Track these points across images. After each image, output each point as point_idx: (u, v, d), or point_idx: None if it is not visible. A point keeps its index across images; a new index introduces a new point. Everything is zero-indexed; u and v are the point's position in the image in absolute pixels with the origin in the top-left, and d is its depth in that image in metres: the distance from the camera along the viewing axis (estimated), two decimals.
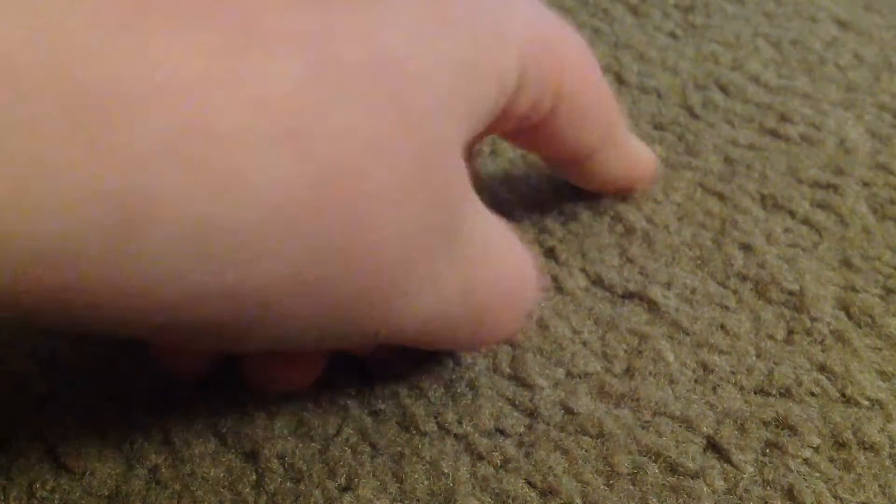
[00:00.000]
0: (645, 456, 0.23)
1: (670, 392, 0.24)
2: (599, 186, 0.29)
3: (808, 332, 0.26)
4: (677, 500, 0.22)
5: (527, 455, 0.23)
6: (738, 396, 0.24)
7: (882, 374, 0.24)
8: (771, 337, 0.26)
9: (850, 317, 0.26)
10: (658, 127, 0.32)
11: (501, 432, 0.23)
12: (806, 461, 0.23)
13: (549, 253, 0.28)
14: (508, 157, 0.31)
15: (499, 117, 0.21)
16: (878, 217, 0.29)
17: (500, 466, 0.23)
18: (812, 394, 0.24)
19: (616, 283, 0.27)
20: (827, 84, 0.34)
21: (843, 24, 0.37)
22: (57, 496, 0.22)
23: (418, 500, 0.22)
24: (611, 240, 0.28)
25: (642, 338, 0.26)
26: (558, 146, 0.25)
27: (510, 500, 0.22)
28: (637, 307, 0.26)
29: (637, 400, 0.24)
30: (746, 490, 0.22)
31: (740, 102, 0.33)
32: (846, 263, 0.27)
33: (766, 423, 0.23)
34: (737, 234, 0.28)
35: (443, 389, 0.24)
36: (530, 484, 0.22)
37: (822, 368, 0.25)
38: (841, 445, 0.23)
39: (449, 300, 0.20)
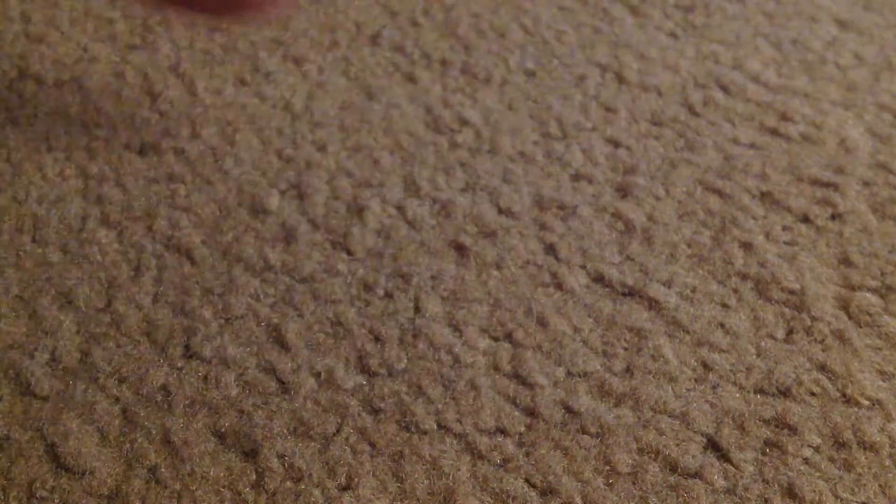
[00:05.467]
0: (645, 455, 0.23)
1: (670, 391, 0.24)
2: None
3: (808, 332, 0.26)
4: (677, 498, 0.22)
5: (527, 454, 0.23)
6: (738, 395, 0.24)
7: (882, 374, 0.24)
8: (771, 336, 0.26)
9: (850, 316, 0.26)
10: (658, 124, 0.32)
11: (502, 431, 0.23)
12: (806, 460, 0.23)
13: (550, 250, 0.28)
14: (507, 154, 0.31)
15: None
16: (878, 216, 0.29)
17: (500, 466, 0.23)
18: (812, 393, 0.24)
19: (616, 281, 0.27)
20: (827, 83, 0.34)
21: (843, 24, 0.37)
22: (57, 496, 0.22)
23: (418, 500, 0.22)
24: (611, 237, 0.28)
25: (642, 336, 0.26)
26: None
27: (510, 500, 0.22)
28: (637, 305, 0.26)
29: (637, 399, 0.24)
30: (746, 489, 0.22)
31: (741, 101, 0.33)
32: (846, 262, 0.27)
33: (765, 422, 0.23)
34: (737, 232, 0.28)
35: (442, 388, 0.24)
36: (530, 483, 0.22)
37: (822, 368, 0.25)
38: (841, 445, 0.23)
39: None
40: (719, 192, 0.30)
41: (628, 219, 0.29)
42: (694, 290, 0.27)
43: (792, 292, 0.27)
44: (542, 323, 0.26)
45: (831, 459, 0.23)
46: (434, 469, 0.23)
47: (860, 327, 0.26)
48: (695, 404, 0.24)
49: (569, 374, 0.25)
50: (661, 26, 0.37)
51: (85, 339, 0.25)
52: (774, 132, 0.32)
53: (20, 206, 0.28)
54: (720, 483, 0.22)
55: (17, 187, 0.29)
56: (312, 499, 0.22)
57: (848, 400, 0.24)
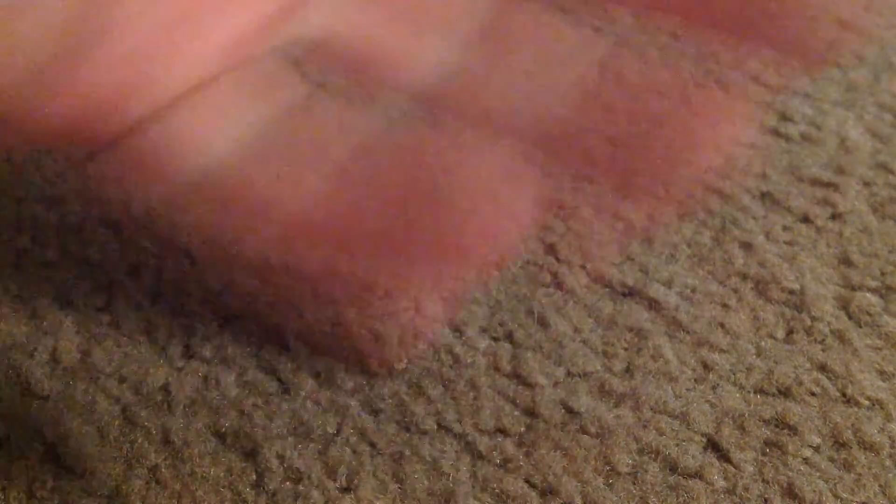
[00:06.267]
0: (645, 455, 0.23)
1: (670, 391, 0.24)
2: None
3: (808, 332, 0.26)
4: (677, 498, 0.22)
5: (527, 454, 0.23)
6: (738, 395, 0.24)
7: (882, 374, 0.24)
8: (771, 336, 0.25)
9: (849, 316, 0.26)
10: None
11: (502, 431, 0.23)
12: (806, 460, 0.23)
13: (550, 250, 0.28)
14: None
15: None
16: (878, 216, 0.29)
17: (501, 466, 0.23)
18: (812, 393, 0.24)
19: (616, 281, 0.27)
20: (827, 83, 0.34)
21: (842, 24, 0.37)
22: (57, 496, 0.22)
23: (418, 501, 0.22)
24: (611, 237, 0.28)
25: (642, 336, 0.25)
26: None
27: (510, 500, 0.22)
28: (637, 305, 0.26)
29: (637, 399, 0.24)
30: (746, 489, 0.22)
31: (741, 101, 0.33)
32: (846, 262, 0.27)
33: (765, 422, 0.23)
34: (737, 232, 0.28)
35: (443, 388, 0.24)
36: (530, 483, 0.22)
37: (822, 368, 0.25)
38: (841, 445, 0.23)
39: None
40: (719, 193, 0.30)
41: (629, 219, 0.29)
42: (694, 290, 0.27)
43: (792, 292, 0.27)
44: (543, 323, 0.26)
45: (831, 459, 0.23)
46: (434, 469, 0.23)
47: (860, 327, 0.26)
48: (695, 404, 0.24)
49: (569, 374, 0.25)
50: (661, 26, 0.37)
51: (85, 339, 0.25)
52: (774, 132, 0.32)
53: (20, 206, 0.28)
54: (720, 483, 0.22)
55: (16, 187, 0.29)
56: (312, 499, 0.22)
57: (848, 400, 0.24)
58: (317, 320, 0.26)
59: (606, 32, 0.37)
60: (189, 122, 0.20)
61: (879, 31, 0.36)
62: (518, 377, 0.24)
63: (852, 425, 0.23)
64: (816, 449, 0.23)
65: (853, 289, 0.27)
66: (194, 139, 0.20)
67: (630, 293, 0.27)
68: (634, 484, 0.22)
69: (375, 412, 0.24)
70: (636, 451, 0.23)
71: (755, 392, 0.24)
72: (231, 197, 0.20)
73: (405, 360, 0.25)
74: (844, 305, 0.26)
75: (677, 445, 0.23)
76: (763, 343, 0.25)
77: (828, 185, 0.30)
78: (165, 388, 0.24)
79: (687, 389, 0.24)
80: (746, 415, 0.24)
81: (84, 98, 0.19)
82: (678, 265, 0.27)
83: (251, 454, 0.23)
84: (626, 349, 0.25)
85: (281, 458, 0.23)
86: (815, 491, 0.22)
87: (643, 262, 0.28)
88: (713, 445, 0.23)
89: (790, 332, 0.26)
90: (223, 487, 0.22)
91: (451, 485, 0.22)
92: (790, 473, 0.22)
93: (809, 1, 0.23)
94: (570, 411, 0.24)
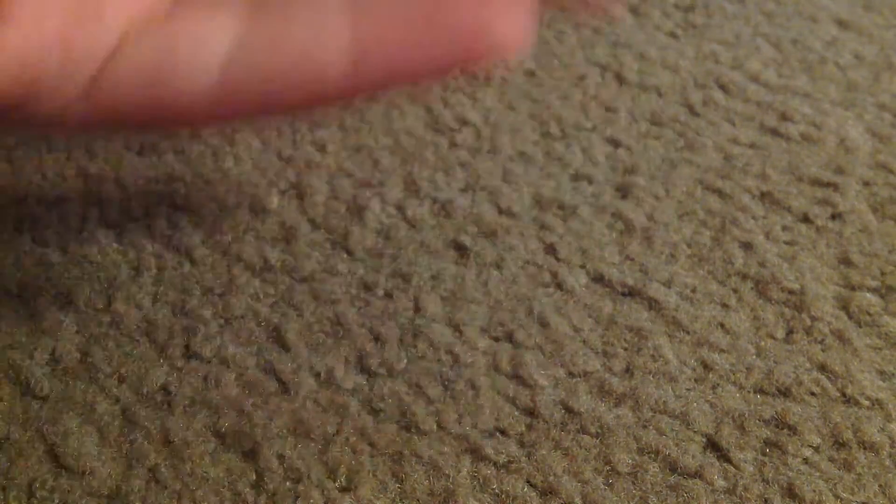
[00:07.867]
0: (645, 455, 0.23)
1: (670, 391, 0.24)
2: None
3: (808, 332, 0.26)
4: (677, 498, 0.22)
5: (528, 455, 0.23)
6: (738, 395, 0.24)
7: (882, 374, 0.24)
8: (771, 336, 0.26)
9: (850, 316, 0.26)
10: (658, 124, 0.32)
11: (502, 432, 0.23)
12: (806, 460, 0.23)
13: (550, 249, 0.28)
14: (507, 154, 0.31)
15: None
16: (878, 216, 0.29)
17: (502, 466, 0.23)
18: (812, 393, 0.24)
19: (616, 281, 0.27)
20: (827, 83, 0.34)
21: (843, 24, 0.37)
22: (57, 496, 0.22)
23: (418, 501, 0.22)
24: (611, 237, 0.28)
25: (642, 336, 0.26)
26: None
27: (510, 501, 0.22)
28: (637, 305, 0.26)
29: (637, 399, 0.24)
30: (746, 489, 0.22)
31: (741, 101, 0.33)
32: (846, 262, 0.27)
33: (765, 422, 0.23)
34: (737, 232, 0.28)
35: (442, 388, 0.24)
36: (530, 484, 0.22)
37: (822, 368, 0.25)
38: (841, 445, 0.23)
39: None
40: (719, 192, 0.30)
41: (628, 219, 0.29)
42: (694, 290, 0.27)
43: (792, 292, 0.27)
44: (543, 323, 0.26)
45: (831, 459, 0.23)
46: (434, 470, 0.23)
47: (860, 327, 0.26)
48: (695, 404, 0.24)
49: (569, 374, 0.25)
50: (661, 26, 0.37)
51: (85, 339, 0.25)
52: (774, 132, 0.32)
53: (20, 206, 0.28)
54: (720, 483, 0.22)
55: (17, 187, 0.29)
56: (312, 499, 0.22)
57: (848, 400, 0.24)
58: (317, 320, 0.26)
59: (606, 32, 0.37)
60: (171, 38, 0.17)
61: (879, 31, 0.36)
62: (518, 377, 0.24)
63: (852, 425, 0.23)
64: (816, 449, 0.23)
65: (853, 289, 0.27)
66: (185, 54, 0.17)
67: (630, 293, 0.27)
68: (634, 484, 0.22)
69: (375, 412, 0.24)
70: (636, 451, 0.23)
71: (755, 392, 0.24)
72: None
73: (405, 360, 0.25)
74: (844, 305, 0.26)
75: (677, 445, 0.23)
76: (763, 343, 0.25)
77: (828, 185, 0.30)
78: (165, 388, 0.24)
79: (687, 389, 0.24)
80: (746, 415, 0.24)
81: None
82: (678, 265, 0.28)
83: (251, 454, 0.23)
84: (625, 349, 0.25)
85: (281, 458, 0.23)
86: (815, 491, 0.22)
87: (643, 262, 0.28)
88: (713, 445, 0.23)
89: (790, 332, 0.26)
90: (223, 487, 0.22)
91: (451, 485, 0.22)
92: (790, 473, 0.22)
93: None
94: (570, 411, 0.24)
